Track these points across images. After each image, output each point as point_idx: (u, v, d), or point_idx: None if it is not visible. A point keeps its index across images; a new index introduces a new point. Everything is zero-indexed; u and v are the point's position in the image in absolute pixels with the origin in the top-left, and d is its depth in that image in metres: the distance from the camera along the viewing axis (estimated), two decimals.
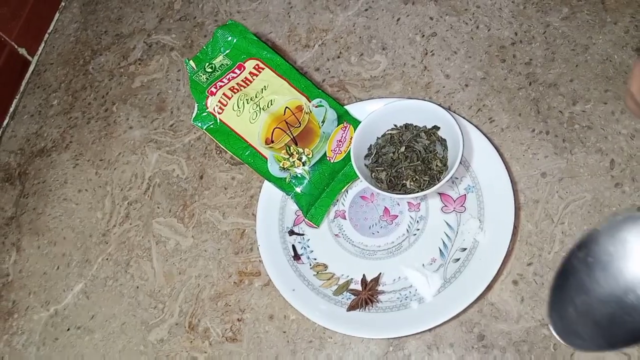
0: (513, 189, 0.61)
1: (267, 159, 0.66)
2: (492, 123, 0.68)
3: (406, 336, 0.59)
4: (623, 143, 0.63)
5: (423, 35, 0.76)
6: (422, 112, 0.64)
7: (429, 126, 0.65)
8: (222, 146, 0.68)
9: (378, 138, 0.66)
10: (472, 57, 0.73)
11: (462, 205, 0.63)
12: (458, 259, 0.60)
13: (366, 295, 0.60)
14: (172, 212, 0.73)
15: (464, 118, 0.66)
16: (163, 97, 0.83)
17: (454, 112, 0.67)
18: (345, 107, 0.70)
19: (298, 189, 0.66)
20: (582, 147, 0.64)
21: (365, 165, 0.65)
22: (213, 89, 0.68)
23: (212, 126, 0.68)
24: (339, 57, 0.78)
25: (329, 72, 0.77)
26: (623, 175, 0.61)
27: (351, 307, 0.60)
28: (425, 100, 0.65)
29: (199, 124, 0.68)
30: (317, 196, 0.66)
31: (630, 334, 0.35)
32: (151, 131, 0.81)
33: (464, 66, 0.73)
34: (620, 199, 0.60)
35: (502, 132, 0.67)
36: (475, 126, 0.65)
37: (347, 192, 0.68)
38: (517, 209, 0.62)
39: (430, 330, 0.59)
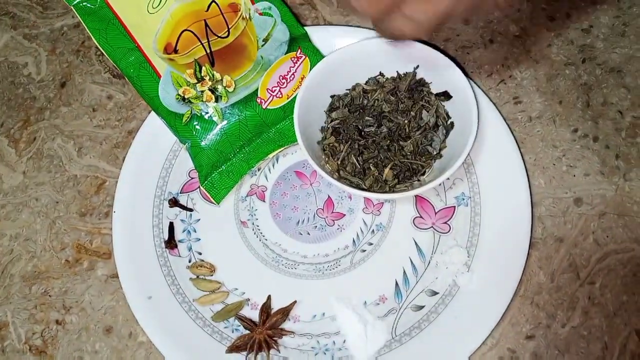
0: (531, 214, 0.38)
1: (160, 77, 0.41)
2: (517, 105, 0.45)
3: None
4: None
5: None
6: (425, 67, 0.40)
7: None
8: (94, 39, 0.42)
9: (349, 90, 0.42)
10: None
11: (446, 223, 0.40)
12: (421, 307, 0.37)
13: (264, 335, 0.37)
14: (5, 128, 0.47)
15: (479, 87, 0.43)
16: None
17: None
18: (306, 27, 0.45)
19: (201, 140, 0.41)
20: None
21: (321, 130, 0.41)
22: None
23: (86, 4, 0.41)
24: None
25: None
26: None
27: (234, 348, 0.37)
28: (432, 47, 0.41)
29: None
30: (227, 155, 0.42)
31: None
32: None
33: (494, 12, 0.48)
34: None
35: (530, 123, 0.44)
36: (494, 104, 0.42)
37: (276, 159, 0.44)
38: (530, 246, 0.39)
39: None
